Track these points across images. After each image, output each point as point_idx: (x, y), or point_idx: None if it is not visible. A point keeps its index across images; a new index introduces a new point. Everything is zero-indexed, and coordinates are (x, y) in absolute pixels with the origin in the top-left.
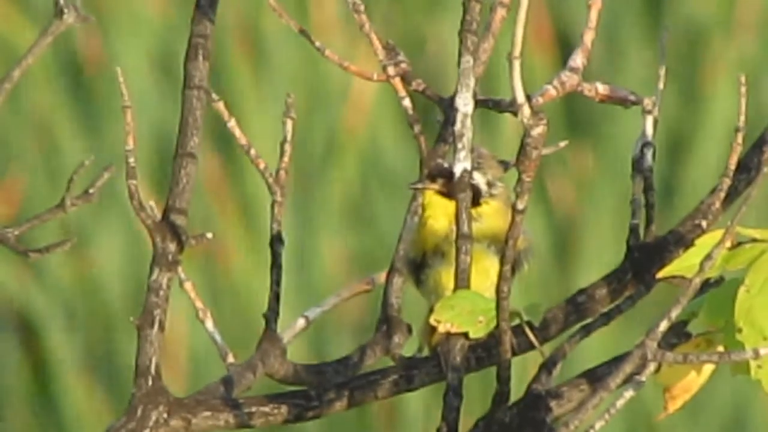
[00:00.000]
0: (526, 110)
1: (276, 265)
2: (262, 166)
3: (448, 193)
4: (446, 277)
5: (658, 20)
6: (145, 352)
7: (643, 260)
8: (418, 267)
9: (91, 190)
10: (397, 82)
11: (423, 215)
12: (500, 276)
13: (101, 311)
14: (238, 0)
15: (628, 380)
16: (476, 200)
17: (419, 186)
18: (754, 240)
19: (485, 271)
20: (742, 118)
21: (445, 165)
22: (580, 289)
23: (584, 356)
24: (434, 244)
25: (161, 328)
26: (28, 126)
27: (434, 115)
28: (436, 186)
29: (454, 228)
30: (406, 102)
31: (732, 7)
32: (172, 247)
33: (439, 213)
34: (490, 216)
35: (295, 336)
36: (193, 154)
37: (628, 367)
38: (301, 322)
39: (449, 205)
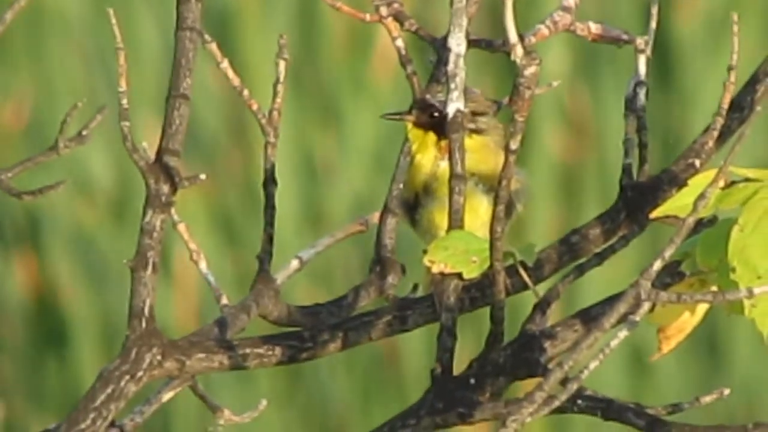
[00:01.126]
0: (518, 50)
1: (269, 206)
2: (255, 107)
3: (421, 124)
4: (439, 216)
5: None
6: (139, 294)
7: (636, 200)
8: (412, 207)
9: (84, 132)
10: (390, 22)
11: (411, 153)
12: (494, 216)
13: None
14: None
15: (622, 320)
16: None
17: (395, 117)
18: (748, 179)
19: (473, 209)
20: (735, 56)
21: (427, 97)
22: (574, 229)
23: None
24: (422, 182)
25: (155, 270)
26: None
27: (427, 56)
28: (411, 117)
29: (439, 163)
30: (399, 42)
31: None
32: (165, 188)
33: (421, 147)
34: (473, 150)
35: (288, 277)
36: (186, 96)
37: (622, 307)
38: (294, 264)
39: (427, 136)
